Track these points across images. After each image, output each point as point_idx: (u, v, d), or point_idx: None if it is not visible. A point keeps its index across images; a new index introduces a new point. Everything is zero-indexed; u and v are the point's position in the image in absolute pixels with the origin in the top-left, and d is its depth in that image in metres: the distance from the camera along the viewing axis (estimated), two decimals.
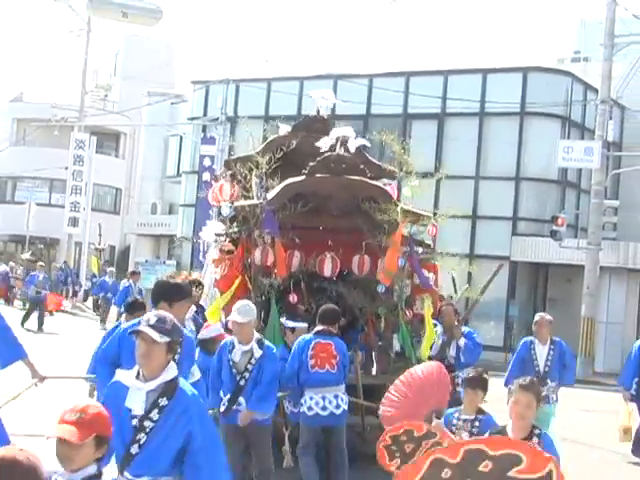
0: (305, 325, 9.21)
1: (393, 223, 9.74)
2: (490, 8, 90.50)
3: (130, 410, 4.60)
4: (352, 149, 10.31)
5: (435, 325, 10.16)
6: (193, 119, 33.85)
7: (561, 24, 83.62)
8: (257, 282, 9.87)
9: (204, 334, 8.84)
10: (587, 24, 32.91)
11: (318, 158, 10.10)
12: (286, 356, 8.59)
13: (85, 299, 34.62)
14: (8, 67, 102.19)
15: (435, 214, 10.77)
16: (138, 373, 4.68)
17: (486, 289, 10.74)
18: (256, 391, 7.54)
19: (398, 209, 9.84)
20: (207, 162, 30.19)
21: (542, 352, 10.10)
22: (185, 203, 34.47)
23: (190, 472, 4.57)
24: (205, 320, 9.79)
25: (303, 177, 10.09)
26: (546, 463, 4.02)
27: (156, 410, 4.57)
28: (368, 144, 10.82)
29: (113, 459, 4.57)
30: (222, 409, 7.63)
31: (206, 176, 28.04)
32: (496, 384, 12.12)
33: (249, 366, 7.57)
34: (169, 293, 6.41)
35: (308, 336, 8.64)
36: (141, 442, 4.55)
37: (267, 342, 7.83)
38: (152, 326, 4.62)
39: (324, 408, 8.37)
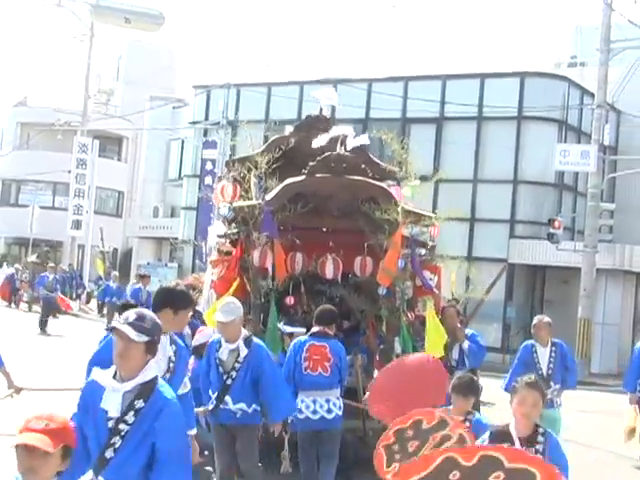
0: (303, 330, 8.96)
1: (394, 223, 9.49)
2: (488, 14, 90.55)
3: (106, 412, 4.34)
4: (351, 148, 10.04)
5: None
6: (195, 123, 33.88)
7: (558, 30, 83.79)
8: (256, 284, 9.64)
9: (197, 340, 8.74)
10: (583, 30, 32.88)
11: (318, 158, 9.85)
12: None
13: (88, 301, 34.59)
14: (12, 72, 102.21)
15: (434, 215, 10.56)
16: (115, 373, 4.42)
17: (490, 291, 10.60)
18: (267, 402, 7.41)
19: (399, 209, 9.59)
20: (209, 166, 30.20)
21: (544, 355, 9.90)
22: (187, 206, 34.45)
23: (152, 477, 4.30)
24: (204, 324, 9.59)
25: (303, 177, 9.83)
26: None
27: (132, 412, 4.30)
28: (367, 141, 10.51)
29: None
30: (210, 407, 7.51)
31: (208, 180, 28.05)
32: (495, 385, 12.10)
33: (236, 365, 7.40)
34: (175, 300, 6.19)
35: (303, 338, 8.45)
36: (116, 446, 4.28)
37: (255, 339, 7.62)
38: (130, 324, 4.37)
39: (315, 412, 8.14)
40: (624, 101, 27.15)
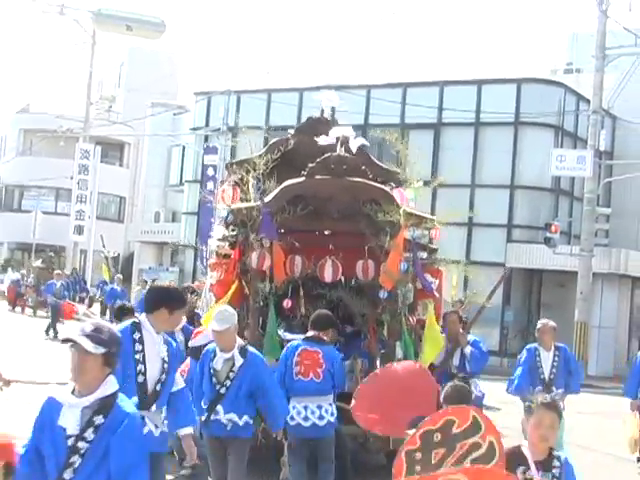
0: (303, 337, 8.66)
1: (396, 225, 9.20)
2: (485, 21, 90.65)
3: (64, 429, 4.06)
4: (353, 149, 9.82)
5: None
6: (195, 129, 33.90)
7: (554, 37, 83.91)
8: (254, 287, 9.37)
9: (197, 341, 8.52)
10: (579, 37, 32.93)
11: (318, 159, 9.57)
12: None
13: (90, 305, 34.57)
14: (15, 79, 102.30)
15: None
16: (74, 389, 4.16)
17: (492, 296, 10.21)
18: (268, 413, 7.24)
19: (401, 211, 9.31)
20: (210, 172, 30.19)
21: (547, 359, 9.73)
22: (188, 211, 34.48)
23: None
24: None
25: (302, 179, 9.55)
26: None
27: (91, 429, 4.04)
28: (367, 143, 10.28)
29: None
30: (202, 418, 7.15)
31: (209, 185, 28.04)
32: (496, 389, 12.05)
33: (230, 374, 7.07)
34: (171, 300, 5.99)
35: (296, 342, 8.19)
36: (75, 465, 4.01)
37: (251, 349, 7.29)
38: (87, 335, 4.10)
39: (306, 418, 7.87)
40: (619, 107, 27.18)
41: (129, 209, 50.45)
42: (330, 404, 7.98)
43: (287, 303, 9.69)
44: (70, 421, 4.07)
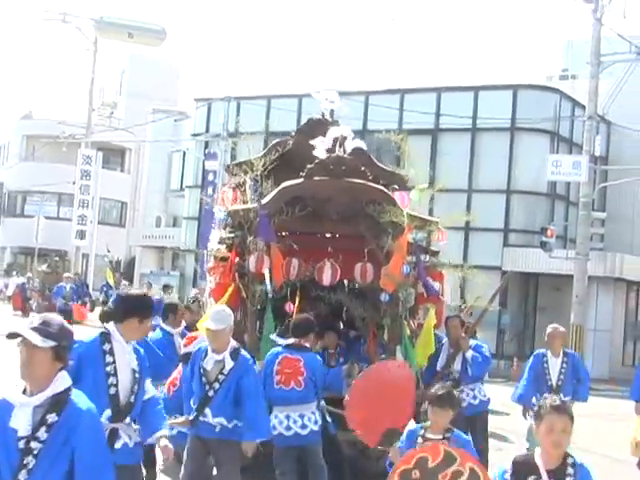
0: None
1: (399, 227, 8.90)
2: (482, 28, 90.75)
3: (16, 431, 3.83)
4: (348, 150, 9.45)
5: (441, 339, 9.47)
6: (196, 135, 33.90)
7: (549, 44, 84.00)
8: (252, 291, 9.10)
9: (188, 348, 8.22)
10: (574, 43, 32.96)
11: (316, 160, 9.27)
12: None
13: (92, 309, 34.54)
14: (18, 86, 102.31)
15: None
16: (25, 388, 3.92)
17: (493, 300, 9.96)
18: (245, 419, 6.78)
19: (404, 212, 9.00)
20: (210, 177, 30.21)
21: (554, 365, 9.37)
22: (188, 216, 34.49)
23: None
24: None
25: (300, 180, 9.24)
26: None
27: (44, 428, 3.82)
28: (364, 146, 9.90)
29: None
30: (190, 418, 6.93)
31: (210, 190, 28.05)
32: (499, 392, 11.99)
33: (220, 377, 6.82)
34: (141, 308, 5.69)
35: (277, 349, 7.87)
36: (29, 467, 3.79)
37: (244, 352, 7.00)
38: (34, 329, 3.87)
39: (288, 428, 7.59)
40: (614, 113, 27.18)
41: (130, 214, 50.43)
42: (313, 412, 7.69)
43: (289, 307, 9.42)
44: (22, 422, 3.85)
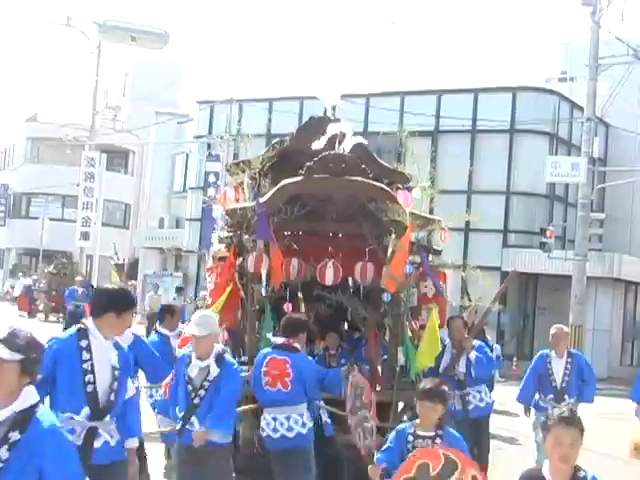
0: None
1: (401, 226, 8.60)
2: (481, 31, 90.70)
3: None
4: (347, 148, 9.20)
5: (443, 341, 9.07)
6: (199, 137, 33.90)
7: (548, 46, 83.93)
8: (251, 291, 8.90)
9: (183, 349, 7.81)
10: (572, 46, 32.91)
11: (315, 157, 8.94)
12: None
13: None
14: (23, 89, 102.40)
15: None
16: None
17: (499, 298, 9.77)
18: (213, 410, 6.46)
19: (407, 211, 8.73)
20: (212, 178, 30.17)
21: (559, 366, 9.03)
22: (191, 217, 34.50)
23: None
24: None
25: (299, 178, 8.90)
26: None
27: (6, 447, 3.53)
28: (365, 142, 9.70)
29: None
30: (177, 427, 6.63)
31: (211, 192, 28.02)
32: (504, 393, 11.88)
33: (205, 383, 6.50)
34: (117, 302, 5.47)
35: (267, 349, 7.63)
36: None
37: (228, 358, 6.72)
38: (1, 341, 3.63)
39: (275, 430, 7.32)
40: (612, 114, 27.18)
41: (134, 215, 50.43)
42: (301, 414, 7.37)
43: (287, 307, 8.91)
44: None
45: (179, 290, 24.14)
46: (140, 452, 7.00)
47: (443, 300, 9.63)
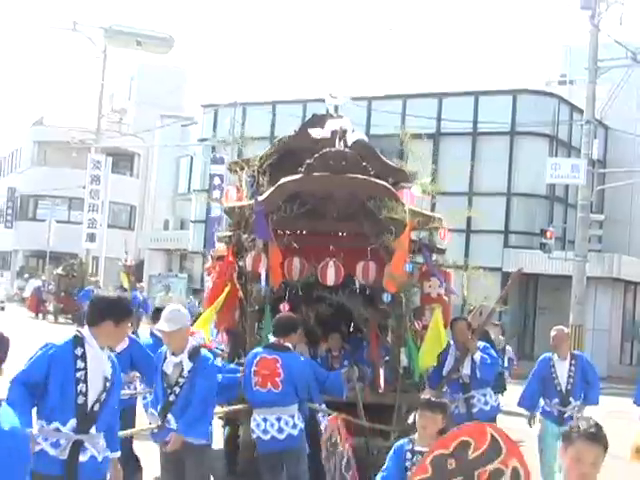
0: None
1: (400, 224, 8.32)
2: (481, 35, 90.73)
3: None
4: (352, 143, 8.95)
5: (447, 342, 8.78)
6: (203, 140, 33.94)
7: (548, 49, 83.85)
8: (250, 291, 8.62)
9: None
10: (572, 49, 32.92)
11: (315, 155, 8.66)
12: None
13: None
14: (30, 93, 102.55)
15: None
16: None
17: (503, 298, 9.59)
18: (187, 413, 6.17)
19: (406, 209, 8.42)
20: (217, 181, 30.21)
21: (563, 369, 8.68)
22: (196, 219, 34.53)
23: None
24: None
25: (299, 176, 8.62)
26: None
27: None
28: (366, 138, 9.50)
29: None
30: (157, 425, 6.39)
31: (216, 194, 28.06)
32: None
33: (180, 380, 6.24)
34: (116, 310, 5.19)
35: (257, 349, 7.42)
36: None
37: (204, 353, 6.41)
38: None
39: (265, 431, 7.09)
40: (611, 117, 27.17)
41: (139, 217, 50.50)
42: (292, 416, 7.12)
43: (283, 307, 8.50)
44: None
45: (195, 292, 24.01)
46: (130, 452, 6.90)
47: (449, 300, 9.33)
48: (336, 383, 7.71)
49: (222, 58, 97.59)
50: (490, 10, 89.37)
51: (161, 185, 42.44)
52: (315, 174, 8.63)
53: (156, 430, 6.40)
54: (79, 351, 5.05)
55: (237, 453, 8.66)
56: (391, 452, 5.28)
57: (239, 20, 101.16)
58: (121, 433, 5.84)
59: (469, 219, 25.99)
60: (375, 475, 5.28)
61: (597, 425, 3.74)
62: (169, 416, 6.24)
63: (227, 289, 8.66)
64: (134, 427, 7.06)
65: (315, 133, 9.10)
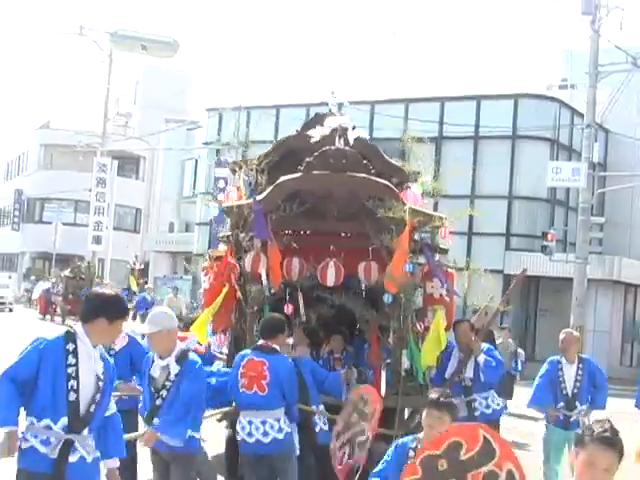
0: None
1: (400, 223, 8.07)
2: (483, 40, 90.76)
3: None
4: (351, 140, 8.71)
5: (449, 345, 8.57)
6: (207, 144, 34.00)
7: (549, 54, 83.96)
8: (249, 292, 8.41)
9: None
10: (573, 54, 32.94)
11: (315, 153, 8.43)
12: None
13: None
14: (36, 97, 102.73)
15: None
16: None
17: (507, 299, 9.44)
18: (169, 413, 6.03)
19: (406, 208, 8.16)
20: (221, 184, 30.22)
21: (570, 372, 8.45)
22: (200, 222, 34.57)
23: None
24: None
25: (298, 174, 8.38)
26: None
27: None
28: (366, 135, 9.28)
29: None
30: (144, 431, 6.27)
31: (221, 197, 28.09)
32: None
33: (167, 383, 6.07)
34: (110, 307, 5.05)
35: (246, 351, 7.26)
36: None
37: (192, 356, 6.23)
38: None
39: (250, 434, 6.92)
40: (612, 121, 27.18)
41: (144, 220, 50.57)
42: (277, 419, 6.95)
43: (288, 308, 8.45)
44: None
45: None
46: (132, 453, 6.79)
47: (452, 301, 9.13)
48: (335, 383, 7.66)
49: (227, 62, 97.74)
50: (492, 16, 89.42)
51: (166, 188, 42.50)
52: (315, 172, 8.42)
53: (143, 434, 6.26)
54: (70, 347, 4.93)
55: (238, 454, 8.61)
56: (392, 447, 5.14)
57: (244, 24, 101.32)
58: (126, 436, 5.79)
59: (471, 222, 26.03)
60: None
61: (612, 428, 3.52)
62: (155, 420, 6.08)
63: (225, 290, 8.45)
64: (137, 430, 7.03)
65: (315, 133, 8.93)
